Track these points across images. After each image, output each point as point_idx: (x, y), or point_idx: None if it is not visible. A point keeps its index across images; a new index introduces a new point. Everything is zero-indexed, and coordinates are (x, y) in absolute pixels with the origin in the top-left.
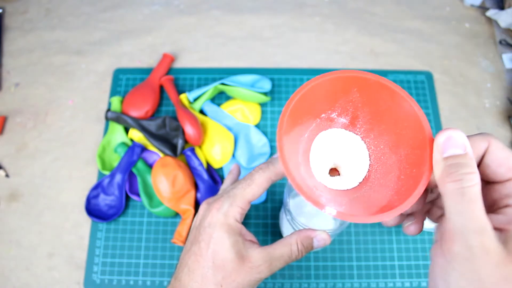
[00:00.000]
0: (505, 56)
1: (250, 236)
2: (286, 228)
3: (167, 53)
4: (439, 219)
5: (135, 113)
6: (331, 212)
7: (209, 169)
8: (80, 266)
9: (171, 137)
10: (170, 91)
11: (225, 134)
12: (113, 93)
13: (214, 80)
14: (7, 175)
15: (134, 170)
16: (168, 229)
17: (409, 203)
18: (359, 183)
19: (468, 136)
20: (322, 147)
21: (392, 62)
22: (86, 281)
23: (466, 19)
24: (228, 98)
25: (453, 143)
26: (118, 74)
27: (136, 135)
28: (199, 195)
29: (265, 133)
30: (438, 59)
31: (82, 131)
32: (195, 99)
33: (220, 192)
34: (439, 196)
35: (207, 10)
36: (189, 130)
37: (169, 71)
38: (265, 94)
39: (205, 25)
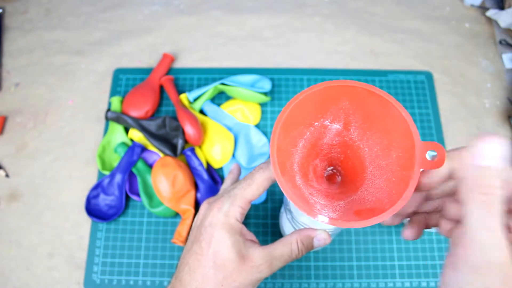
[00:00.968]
0: (505, 56)
1: (250, 235)
2: (286, 227)
3: (167, 53)
4: (449, 232)
5: (135, 113)
6: (323, 220)
7: (209, 169)
8: (80, 266)
9: (171, 137)
10: (170, 91)
11: (225, 134)
12: (113, 93)
13: (214, 80)
14: (7, 175)
15: (134, 170)
16: (168, 229)
17: (398, 206)
18: (355, 185)
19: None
20: (317, 154)
21: (392, 62)
22: (86, 281)
23: (466, 19)
24: (228, 98)
25: (490, 152)
26: (118, 74)
27: (136, 135)
28: (199, 195)
29: (265, 133)
30: (438, 59)
31: (82, 131)
32: (195, 99)
33: (220, 192)
34: (444, 208)
35: (207, 10)
36: (189, 130)
37: (169, 71)
38: (265, 94)
39: (205, 25)
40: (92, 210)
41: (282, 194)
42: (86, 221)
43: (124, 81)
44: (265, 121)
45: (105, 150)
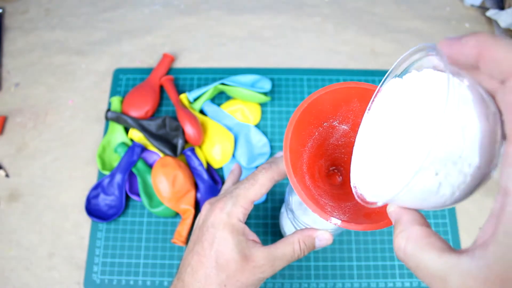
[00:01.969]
0: None
1: (252, 236)
2: (287, 227)
3: (167, 53)
4: None
5: (135, 113)
6: (336, 223)
7: (209, 169)
8: (80, 266)
9: (171, 137)
10: (170, 91)
11: (225, 134)
12: (113, 93)
13: (214, 80)
14: (7, 175)
15: (134, 170)
16: (168, 229)
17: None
18: None
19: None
20: (323, 154)
21: (392, 62)
22: (86, 281)
23: (466, 19)
24: (228, 98)
25: None
26: (118, 74)
27: (136, 135)
28: (199, 195)
29: (265, 133)
30: None
31: (82, 131)
32: (195, 99)
33: (222, 192)
34: None
35: (207, 10)
36: (189, 130)
37: (169, 71)
38: (265, 94)
39: (205, 25)
40: (92, 210)
41: (282, 194)
42: (86, 221)
43: (124, 81)
44: (265, 121)
45: (105, 150)
